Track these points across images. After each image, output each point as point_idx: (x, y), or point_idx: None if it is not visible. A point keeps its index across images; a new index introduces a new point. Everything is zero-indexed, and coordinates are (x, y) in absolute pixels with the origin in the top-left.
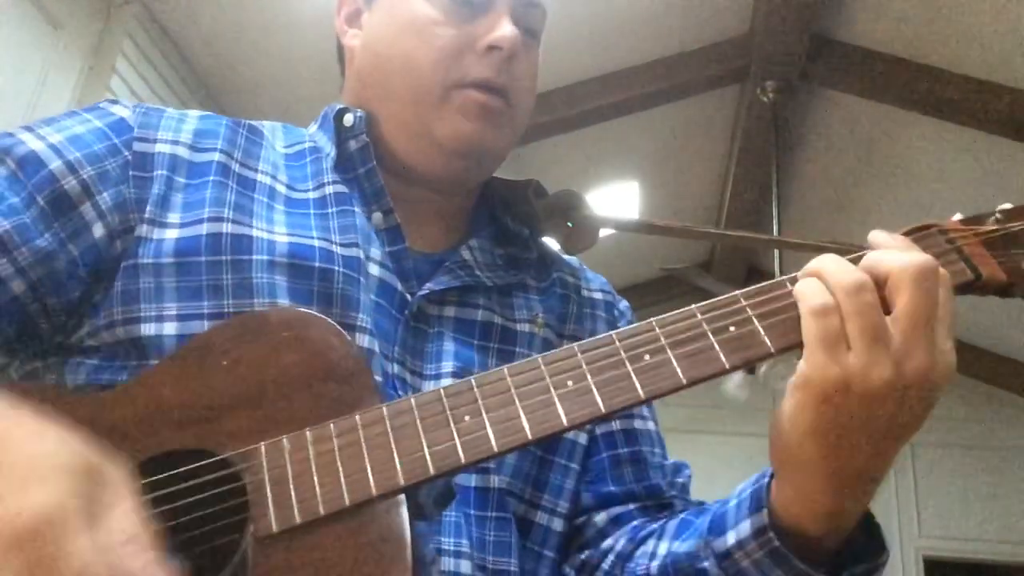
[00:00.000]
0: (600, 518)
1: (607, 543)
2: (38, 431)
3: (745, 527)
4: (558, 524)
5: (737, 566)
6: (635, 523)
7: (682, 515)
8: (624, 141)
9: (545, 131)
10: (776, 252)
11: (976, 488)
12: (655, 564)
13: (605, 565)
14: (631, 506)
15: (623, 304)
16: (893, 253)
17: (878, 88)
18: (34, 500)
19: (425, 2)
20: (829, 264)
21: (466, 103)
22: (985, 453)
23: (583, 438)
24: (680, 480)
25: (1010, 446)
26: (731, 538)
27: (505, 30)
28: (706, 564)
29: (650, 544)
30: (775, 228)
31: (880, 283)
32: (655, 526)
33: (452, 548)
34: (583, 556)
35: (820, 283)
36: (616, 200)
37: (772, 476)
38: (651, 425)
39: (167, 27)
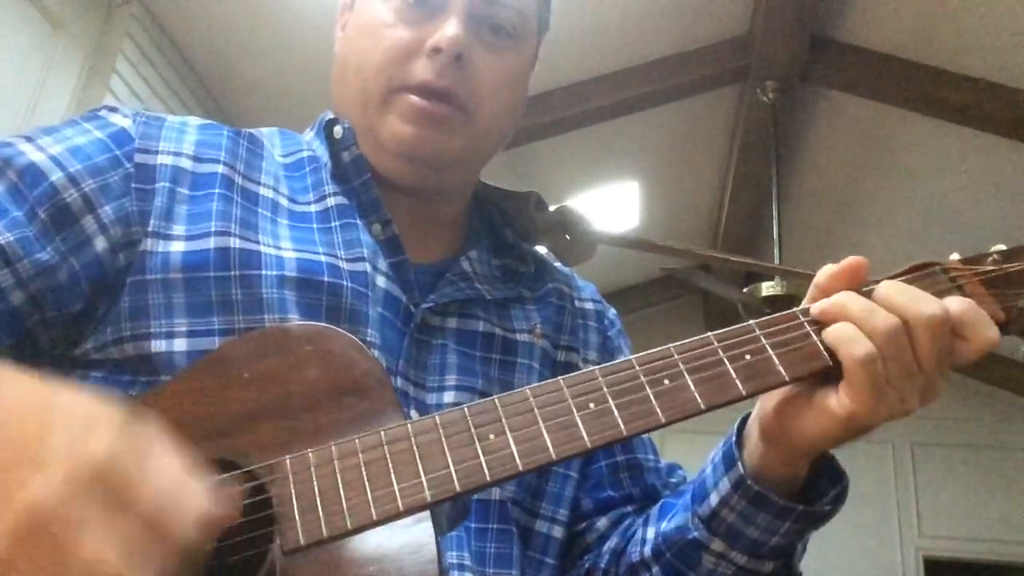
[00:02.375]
0: (601, 523)
1: (607, 545)
2: (75, 392)
3: (724, 484)
4: (558, 532)
5: (725, 523)
6: (627, 521)
7: (663, 500)
8: (624, 141)
9: (545, 131)
10: (777, 255)
11: (976, 488)
12: (647, 548)
13: (602, 564)
14: (629, 508)
15: (611, 312)
16: (913, 297)
17: (878, 88)
18: (102, 442)
19: (382, 4)
20: (856, 306)
21: (404, 108)
22: (985, 453)
23: None
24: (674, 480)
25: (1010, 446)
26: (714, 499)
27: (448, 31)
28: (696, 533)
29: (639, 532)
30: (775, 228)
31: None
32: (641, 518)
33: (455, 562)
34: (587, 563)
35: (856, 328)
36: (616, 200)
37: (739, 433)
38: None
39: (167, 27)
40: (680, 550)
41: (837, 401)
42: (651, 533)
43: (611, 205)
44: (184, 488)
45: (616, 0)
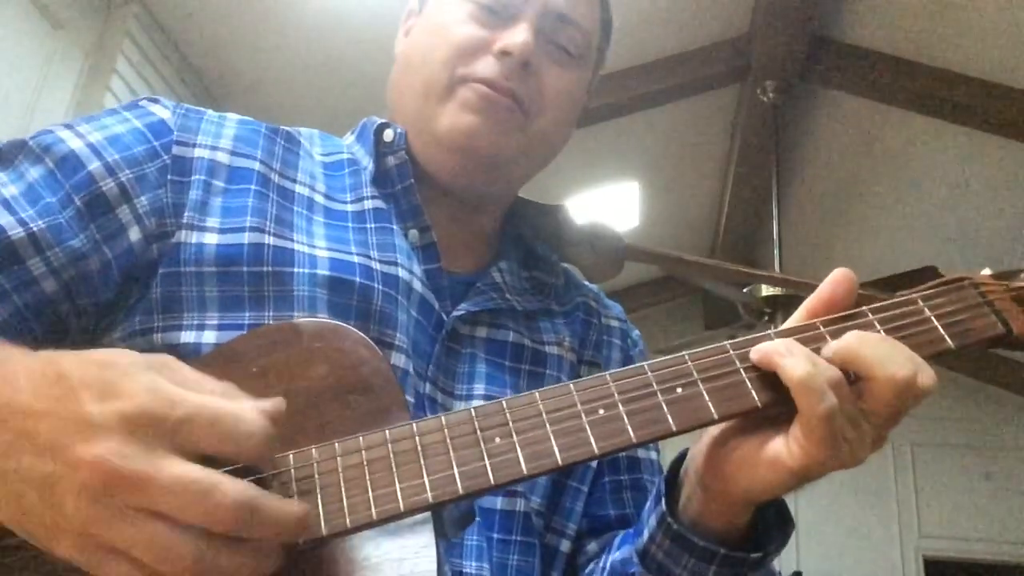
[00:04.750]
0: (592, 547)
1: (589, 568)
2: (77, 353)
3: (652, 521)
4: (566, 546)
5: (656, 561)
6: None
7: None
8: (624, 141)
9: None
10: (777, 256)
11: (976, 488)
12: None
13: None
14: (621, 532)
15: (635, 333)
16: (885, 355)
17: (878, 88)
18: (131, 385)
19: (455, 6)
20: (802, 361)
21: (467, 96)
22: (985, 453)
23: (594, 462)
24: None
25: (1010, 446)
26: (645, 534)
27: (518, 36)
28: (634, 569)
29: (603, 558)
30: (775, 228)
31: (859, 374)
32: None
33: (474, 572)
34: None
35: (823, 379)
36: (616, 200)
37: (676, 468)
38: (653, 455)
39: (167, 27)
40: None
41: (788, 452)
42: (607, 562)
43: (611, 205)
44: (227, 412)
45: (616, 0)
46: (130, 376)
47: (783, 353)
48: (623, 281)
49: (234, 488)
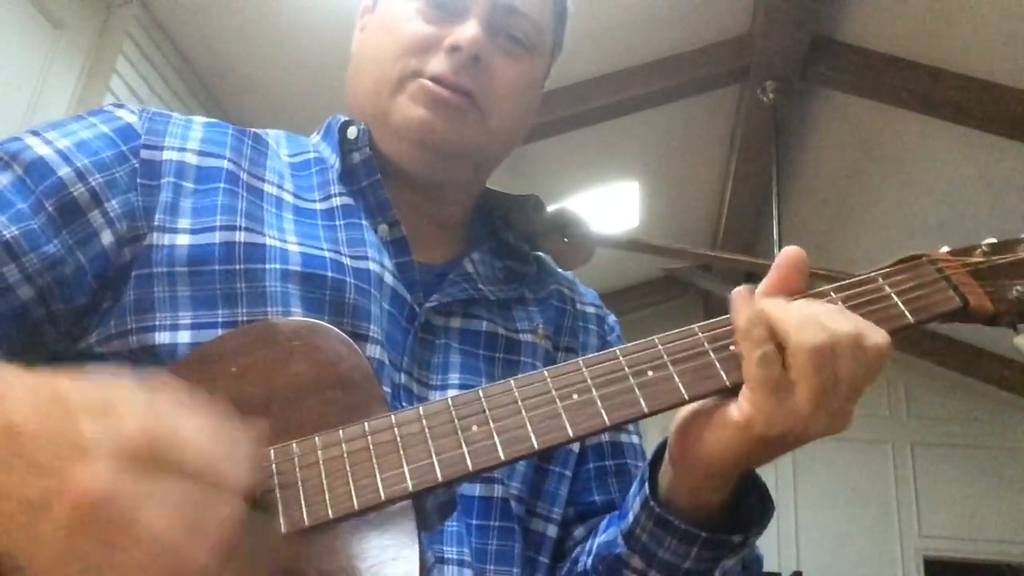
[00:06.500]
0: (579, 532)
1: (575, 552)
2: (78, 379)
3: (636, 503)
4: (552, 531)
5: (640, 543)
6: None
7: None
8: (624, 141)
9: (545, 131)
10: (776, 255)
11: (976, 488)
12: (589, 559)
13: (564, 568)
14: (608, 516)
15: (611, 318)
16: (838, 319)
17: (878, 88)
18: (131, 416)
19: (404, 3)
20: (747, 311)
21: (415, 91)
22: (985, 453)
23: (576, 446)
24: None
25: (1010, 446)
26: (630, 516)
27: (467, 31)
28: (619, 549)
29: (589, 541)
30: (775, 228)
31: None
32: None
33: (455, 557)
34: (562, 570)
35: (760, 331)
36: (616, 200)
37: (660, 452)
38: (636, 439)
39: (167, 27)
40: (608, 564)
41: (737, 407)
42: (592, 544)
43: (611, 205)
44: (224, 436)
45: (616, 0)
46: (126, 398)
47: (741, 303)
48: (623, 281)
49: (222, 523)
